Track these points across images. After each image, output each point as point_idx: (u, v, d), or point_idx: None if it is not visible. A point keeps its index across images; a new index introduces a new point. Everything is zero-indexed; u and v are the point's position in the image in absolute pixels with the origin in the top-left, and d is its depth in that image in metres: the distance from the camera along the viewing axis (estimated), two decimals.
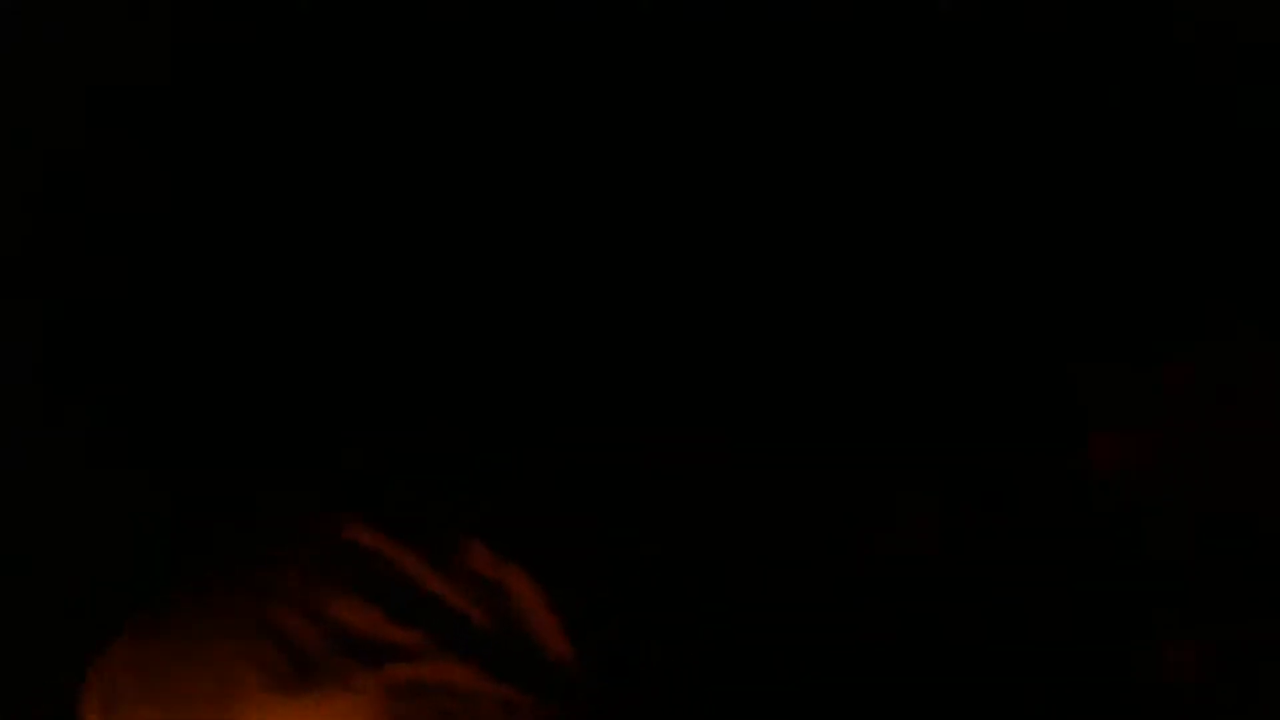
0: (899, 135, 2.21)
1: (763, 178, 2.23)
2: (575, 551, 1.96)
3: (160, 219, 2.21)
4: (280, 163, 2.22)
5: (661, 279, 2.21)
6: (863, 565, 2.05)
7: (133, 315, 2.20)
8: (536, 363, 2.20)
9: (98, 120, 2.20)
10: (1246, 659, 2.01)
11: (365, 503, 1.96)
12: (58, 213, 2.20)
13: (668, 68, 2.22)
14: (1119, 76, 2.20)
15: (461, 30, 2.22)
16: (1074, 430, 2.10)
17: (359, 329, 2.22)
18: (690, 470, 2.07)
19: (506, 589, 1.90)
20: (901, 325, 2.18)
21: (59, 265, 2.19)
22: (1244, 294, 2.16)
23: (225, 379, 2.20)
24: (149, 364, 2.20)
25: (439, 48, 2.23)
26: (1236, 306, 2.15)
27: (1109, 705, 2.00)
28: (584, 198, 2.23)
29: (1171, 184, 2.19)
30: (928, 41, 2.21)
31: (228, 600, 1.90)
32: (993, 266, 2.19)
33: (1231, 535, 2.04)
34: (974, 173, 2.21)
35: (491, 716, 1.83)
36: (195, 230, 2.21)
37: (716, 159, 2.23)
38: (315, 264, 2.22)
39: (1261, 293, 2.16)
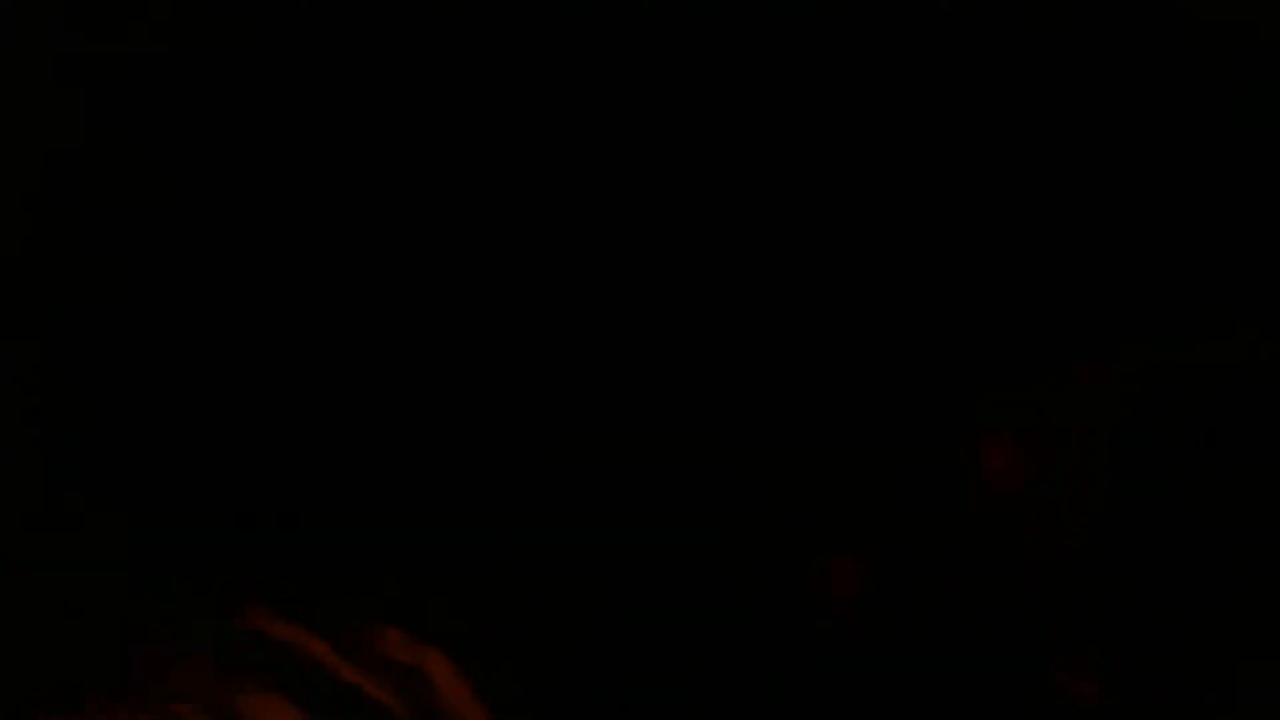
0: (898, 136, 2.21)
1: (761, 179, 2.23)
2: (496, 628, 1.92)
3: (160, 219, 2.21)
4: (281, 163, 2.22)
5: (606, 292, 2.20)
6: (789, 617, 2.03)
7: (133, 315, 2.20)
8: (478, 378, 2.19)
9: (98, 120, 2.20)
10: (1147, 686, 1.99)
11: (266, 586, 1.90)
12: (58, 213, 2.19)
13: (667, 67, 2.22)
14: (1119, 76, 2.20)
15: (462, 30, 2.22)
16: (970, 436, 2.08)
17: (356, 333, 2.22)
18: (623, 524, 2.04)
19: (427, 675, 1.83)
20: (881, 322, 2.18)
21: (59, 265, 2.19)
22: (1244, 294, 2.16)
23: (215, 392, 2.19)
24: (148, 364, 2.20)
25: (440, 48, 2.23)
26: (1237, 306, 2.15)
27: None
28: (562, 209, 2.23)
29: (1171, 183, 2.19)
30: (928, 41, 2.21)
31: (131, 708, 1.80)
32: (985, 264, 2.19)
33: (1133, 551, 2.03)
34: (973, 173, 2.20)
35: None
36: (195, 230, 2.21)
37: (716, 160, 2.23)
38: (313, 265, 2.22)
39: (1262, 293, 2.16)
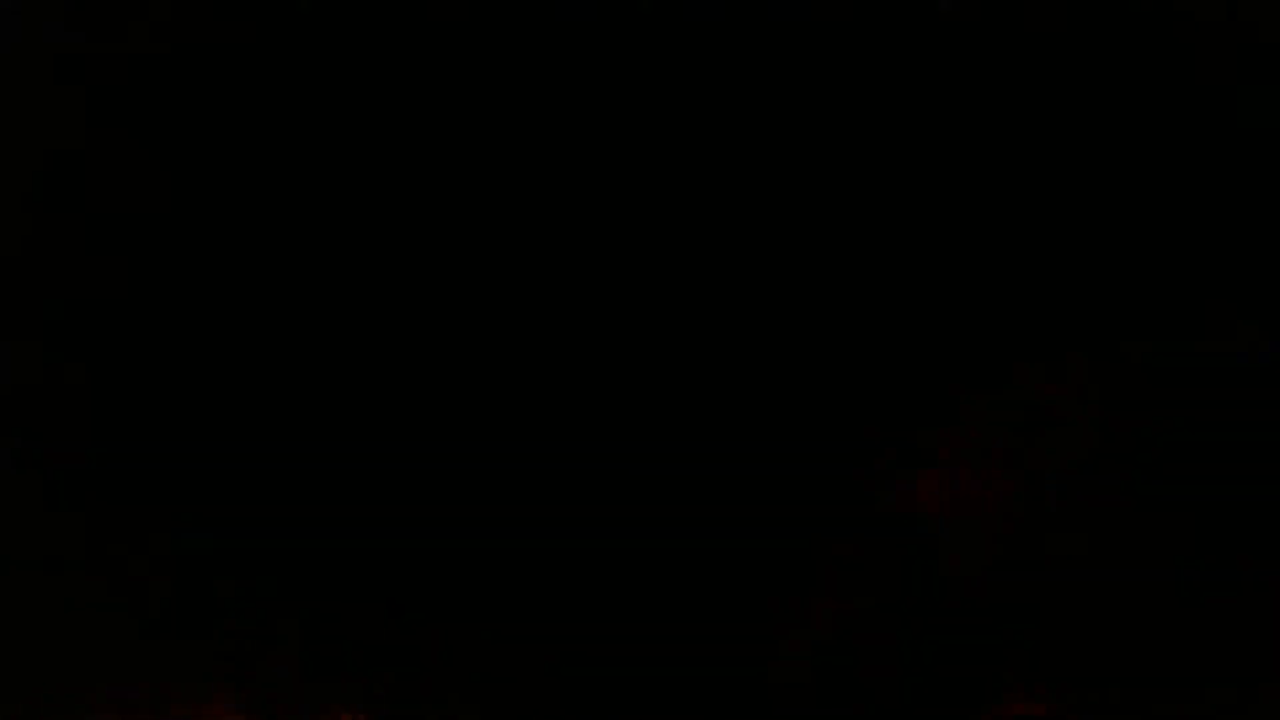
0: (898, 135, 2.21)
1: (760, 180, 2.22)
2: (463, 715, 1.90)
3: (160, 219, 2.21)
4: (281, 164, 2.22)
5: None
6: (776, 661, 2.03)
7: (133, 315, 2.20)
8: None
9: (98, 120, 2.20)
10: (1094, 707, 1.99)
11: (234, 676, 1.88)
12: (58, 213, 2.20)
13: (667, 68, 2.22)
14: (1119, 76, 2.20)
15: (462, 30, 2.22)
16: (907, 467, 2.08)
17: (353, 338, 2.22)
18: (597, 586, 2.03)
19: None
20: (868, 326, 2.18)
21: (59, 265, 2.19)
22: (1244, 294, 2.16)
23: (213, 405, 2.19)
24: (147, 364, 2.20)
25: (440, 49, 2.23)
26: (1237, 306, 2.15)
27: None
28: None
29: (1170, 183, 2.19)
30: (928, 41, 2.20)
31: None
32: (982, 264, 2.19)
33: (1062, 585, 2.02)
34: (972, 173, 2.20)
35: None
36: (195, 230, 2.21)
37: (714, 161, 2.23)
38: (314, 266, 2.22)
39: (1262, 293, 2.16)
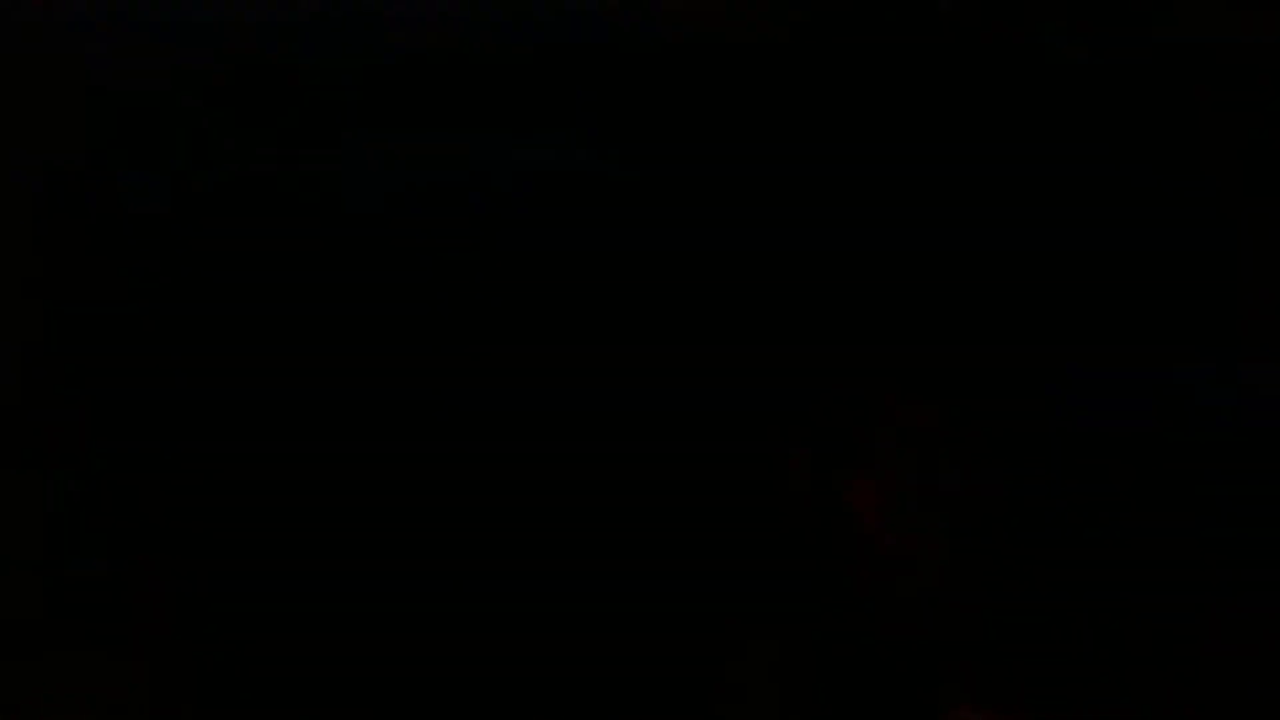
0: (898, 135, 2.21)
1: (759, 180, 2.23)
2: None
3: (160, 219, 2.21)
4: (280, 165, 2.22)
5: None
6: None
7: (132, 315, 2.20)
8: None
9: (98, 120, 2.20)
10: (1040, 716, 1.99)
11: (230, 690, 1.89)
12: (58, 213, 2.20)
13: (667, 66, 2.23)
14: (1119, 77, 2.21)
15: (462, 34, 2.23)
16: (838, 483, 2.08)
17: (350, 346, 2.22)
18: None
19: None
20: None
21: (59, 265, 2.19)
22: (1242, 300, 2.16)
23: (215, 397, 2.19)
24: (147, 365, 2.20)
25: (438, 49, 2.23)
26: (1236, 309, 2.15)
27: None
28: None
29: (1169, 185, 2.19)
30: (928, 41, 2.21)
31: None
32: (976, 263, 2.19)
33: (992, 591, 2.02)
34: (971, 173, 2.21)
35: None
36: (195, 231, 2.22)
37: (712, 162, 2.23)
38: (313, 265, 2.22)
39: (1257, 300, 2.16)
